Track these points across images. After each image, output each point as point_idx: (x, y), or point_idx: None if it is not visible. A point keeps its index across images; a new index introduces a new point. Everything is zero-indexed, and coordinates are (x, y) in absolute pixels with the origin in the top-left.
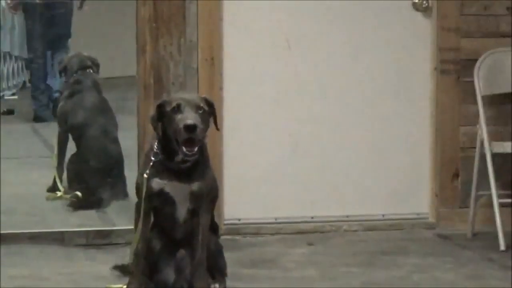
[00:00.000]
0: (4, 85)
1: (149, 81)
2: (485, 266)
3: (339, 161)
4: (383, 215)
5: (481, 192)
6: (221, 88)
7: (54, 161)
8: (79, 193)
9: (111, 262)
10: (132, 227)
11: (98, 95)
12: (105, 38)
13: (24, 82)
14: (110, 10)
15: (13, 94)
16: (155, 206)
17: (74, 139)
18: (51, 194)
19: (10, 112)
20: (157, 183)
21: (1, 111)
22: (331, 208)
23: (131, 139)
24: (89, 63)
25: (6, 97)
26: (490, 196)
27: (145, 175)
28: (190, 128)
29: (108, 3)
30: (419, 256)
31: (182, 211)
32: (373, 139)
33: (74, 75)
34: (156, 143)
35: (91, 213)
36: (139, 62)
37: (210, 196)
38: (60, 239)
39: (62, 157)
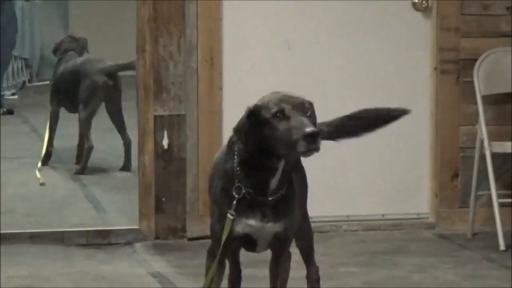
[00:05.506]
0: (4, 85)
1: (149, 81)
2: (485, 266)
3: (339, 161)
4: (383, 215)
5: (480, 192)
6: (220, 88)
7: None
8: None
9: (111, 262)
10: (131, 227)
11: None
12: (105, 38)
13: (24, 82)
14: (110, 10)
15: (13, 94)
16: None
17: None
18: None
19: (10, 112)
20: (243, 226)
21: (1, 111)
22: (331, 208)
23: (131, 138)
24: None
25: (6, 97)
26: (489, 196)
27: (229, 216)
28: (313, 136)
29: (108, 3)
30: (419, 256)
31: (261, 249)
32: (372, 139)
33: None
34: (236, 166)
35: (91, 213)
36: (139, 62)
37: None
38: (60, 239)
39: (52, 135)
